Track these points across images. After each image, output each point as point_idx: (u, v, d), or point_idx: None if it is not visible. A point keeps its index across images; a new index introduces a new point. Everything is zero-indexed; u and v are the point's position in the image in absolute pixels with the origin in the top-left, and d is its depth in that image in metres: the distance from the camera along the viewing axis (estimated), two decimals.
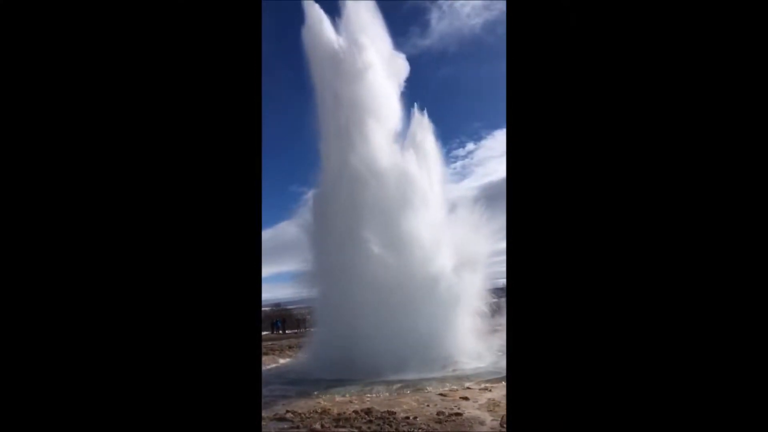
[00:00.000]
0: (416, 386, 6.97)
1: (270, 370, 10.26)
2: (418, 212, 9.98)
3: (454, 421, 5.02)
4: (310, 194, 12.30)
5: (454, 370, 8.03)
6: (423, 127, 11.86)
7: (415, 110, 12.07)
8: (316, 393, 6.90)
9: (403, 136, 11.75)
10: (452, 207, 11.38)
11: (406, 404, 5.93)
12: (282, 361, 12.03)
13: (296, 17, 12.35)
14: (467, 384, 6.89)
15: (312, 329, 12.12)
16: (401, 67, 12.19)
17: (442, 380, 7.25)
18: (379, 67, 11.56)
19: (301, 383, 7.80)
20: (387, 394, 6.65)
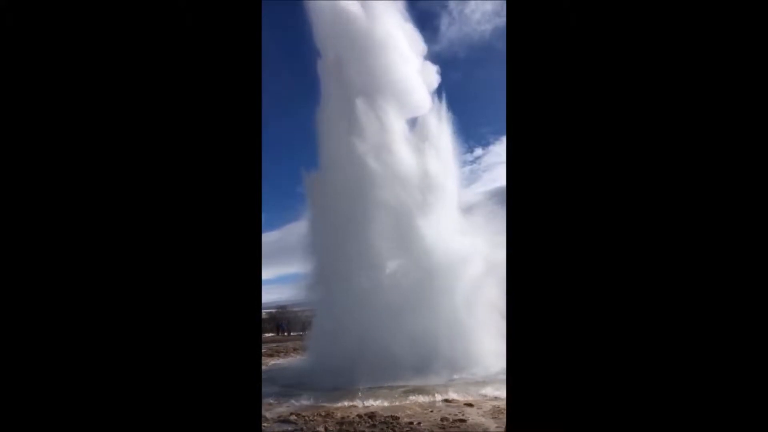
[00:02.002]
0: (422, 391, 6.89)
1: (273, 371, 10.22)
2: (430, 210, 9.37)
3: (457, 427, 4.98)
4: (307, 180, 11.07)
5: (461, 377, 7.86)
6: (441, 117, 10.72)
7: (432, 97, 10.78)
8: (319, 396, 6.86)
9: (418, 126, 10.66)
10: (467, 209, 10.69)
11: (410, 409, 5.89)
12: (285, 362, 12.00)
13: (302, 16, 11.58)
14: (473, 390, 6.80)
15: (313, 331, 11.73)
16: (432, 77, 11.10)
17: (449, 386, 7.15)
18: (401, 40, 10.28)
19: (305, 386, 7.76)
20: (391, 398, 6.59)
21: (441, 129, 10.75)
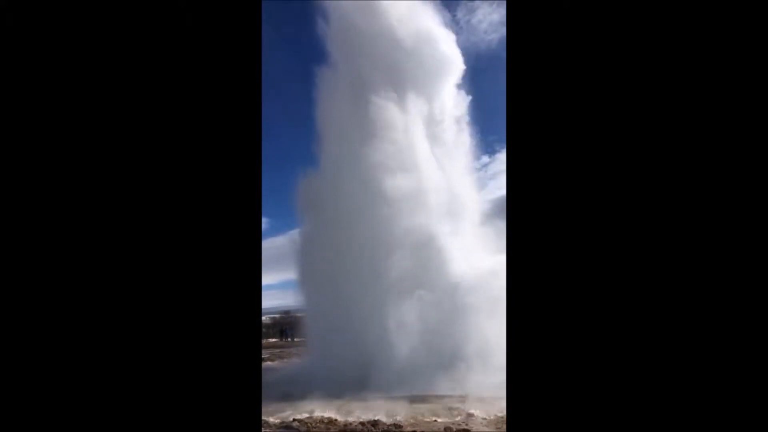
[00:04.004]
0: (426, 401, 6.82)
1: (275, 376, 10.15)
2: (453, 229, 8.85)
3: None
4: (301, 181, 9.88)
5: (472, 387, 7.64)
6: (462, 128, 9.91)
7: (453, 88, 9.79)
8: (322, 402, 6.82)
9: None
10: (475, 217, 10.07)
11: (413, 418, 5.84)
12: (288, 367, 11.94)
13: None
14: (480, 399, 6.69)
15: (307, 337, 10.83)
16: (461, 102, 10.32)
17: (456, 395, 7.03)
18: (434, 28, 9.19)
19: (307, 392, 7.69)
20: (394, 407, 6.53)
21: (461, 140, 10.09)
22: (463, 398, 6.71)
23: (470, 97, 10.34)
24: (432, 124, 9.83)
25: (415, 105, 9.43)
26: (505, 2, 2.34)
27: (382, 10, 9.37)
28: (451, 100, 10.11)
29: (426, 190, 8.91)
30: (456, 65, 9.91)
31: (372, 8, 9.38)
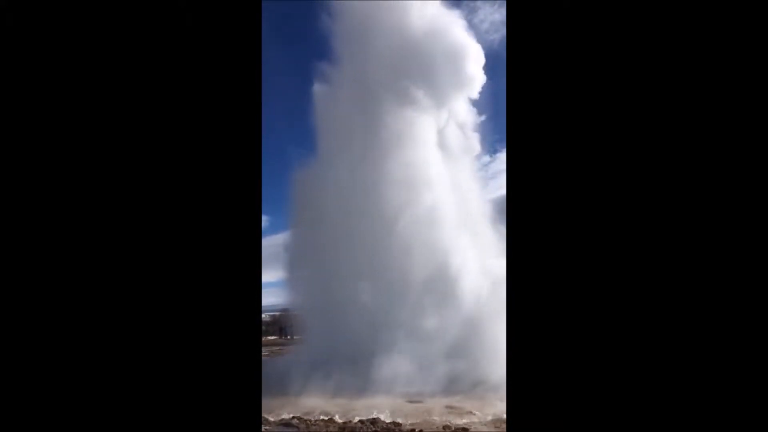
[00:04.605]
0: (425, 399, 6.82)
1: (275, 374, 10.12)
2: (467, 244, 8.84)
3: None
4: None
5: (477, 388, 7.60)
6: (469, 138, 9.87)
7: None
8: (322, 400, 6.83)
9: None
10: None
11: (412, 417, 5.86)
12: (287, 365, 11.89)
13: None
14: (481, 400, 6.69)
15: (302, 336, 10.79)
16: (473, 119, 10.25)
17: (457, 394, 7.03)
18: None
19: (307, 390, 7.70)
20: (394, 405, 6.55)
21: (468, 148, 10.11)
22: (461, 398, 6.74)
23: (483, 117, 10.25)
24: (440, 133, 9.83)
25: (426, 111, 9.41)
26: (505, 2, 2.33)
27: (400, 9, 9.26)
28: (464, 114, 10.11)
29: (430, 196, 8.95)
30: (476, 85, 9.81)
31: (389, 7, 9.27)
